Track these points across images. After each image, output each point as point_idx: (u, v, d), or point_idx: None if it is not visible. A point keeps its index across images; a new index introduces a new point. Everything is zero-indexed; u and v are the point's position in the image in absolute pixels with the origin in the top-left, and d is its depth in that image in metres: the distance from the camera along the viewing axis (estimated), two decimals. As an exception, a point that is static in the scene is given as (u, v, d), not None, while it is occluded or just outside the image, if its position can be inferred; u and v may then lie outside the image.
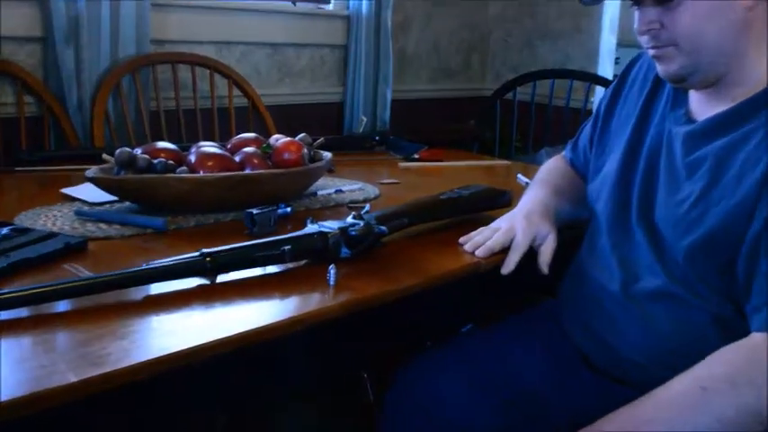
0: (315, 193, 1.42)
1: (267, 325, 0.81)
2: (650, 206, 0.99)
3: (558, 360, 1.08)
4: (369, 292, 0.92)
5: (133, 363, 0.69)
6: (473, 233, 1.13)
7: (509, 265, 1.06)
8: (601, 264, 1.05)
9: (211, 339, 0.75)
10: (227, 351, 0.76)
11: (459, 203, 1.25)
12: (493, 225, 1.13)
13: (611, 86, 1.17)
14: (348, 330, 0.93)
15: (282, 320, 0.83)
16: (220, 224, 1.20)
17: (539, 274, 1.08)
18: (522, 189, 1.30)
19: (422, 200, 1.22)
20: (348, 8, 2.61)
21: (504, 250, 1.08)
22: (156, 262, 0.88)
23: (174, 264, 0.88)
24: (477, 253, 1.08)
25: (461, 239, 1.12)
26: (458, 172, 1.79)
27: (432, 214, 1.21)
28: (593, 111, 1.24)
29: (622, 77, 1.15)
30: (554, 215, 1.13)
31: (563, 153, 1.31)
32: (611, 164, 1.08)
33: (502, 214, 1.17)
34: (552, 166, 1.29)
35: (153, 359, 0.71)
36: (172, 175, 1.21)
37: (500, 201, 1.30)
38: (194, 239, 1.11)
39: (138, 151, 1.25)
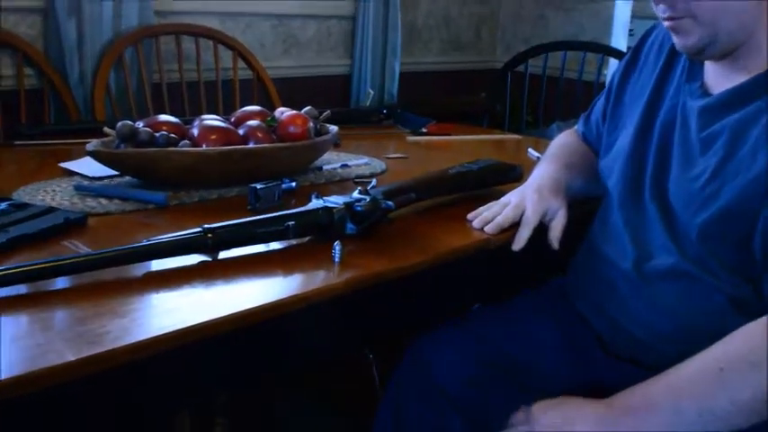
0: (320, 168, 1.41)
1: (270, 303, 0.80)
2: (663, 182, 0.98)
3: (569, 339, 1.08)
4: (375, 270, 0.92)
5: (133, 341, 0.69)
6: (481, 208, 1.12)
7: (519, 241, 1.05)
8: (613, 241, 1.04)
9: (213, 317, 0.75)
10: (229, 329, 0.76)
11: (468, 178, 1.24)
12: (502, 200, 1.13)
13: (625, 59, 1.14)
14: (353, 309, 0.93)
15: (286, 298, 0.82)
16: (223, 199, 1.19)
17: (549, 250, 1.07)
18: (532, 164, 1.29)
19: (430, 175, 1.21)
20: (355, -22, 2.59)
21: (515, 226, 1.07)
22: (156, 238, 0.87)
23: (174, 240, 0.88)
24: (486, 229, 1.07)
25: (470, 215, 1.11)
26: (467, 146, 1.78)
27: (440, 189, 1.20)
28: (606, 84, 1.22)
29: (636, 49, 1.13)
30: (565, 190, 1.12)
31: (575, 127, 1.30)
32: (624, 139, 1.06)
33: (512, 189, 1.16)
34: (564, 141, 1.28)
35: (153, 338, 0.70)
36: (174, 148, 1.20)
37: (510, 175, 1.30)
38: (196, 215, 1.10)
39: (140, 124, 1.24)
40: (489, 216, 1.09)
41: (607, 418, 0.85)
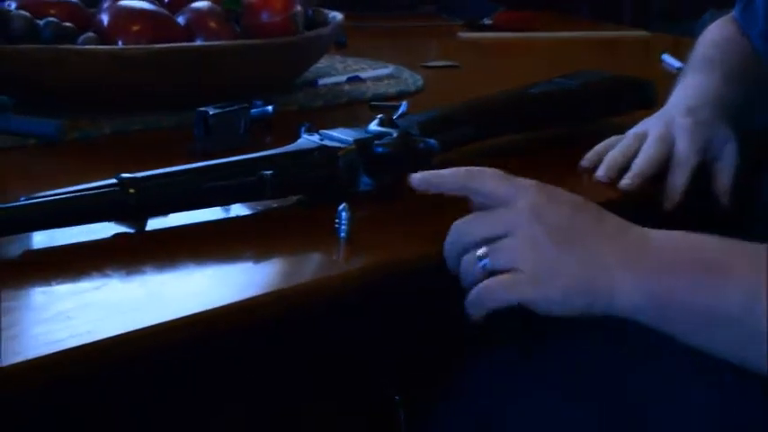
0: (314, 83, 1.42)
1: (232, 304, 0.80)
2: None
3: (723, 373, 1.08)
4: (404, 252, 0.92)
5: (4, 366, 0.68)
6: (601, 146, 1.13)
7: (675, 192, 1.07)
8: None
9: (136, 328, 0.74)
10: (162, 346, 0.76)
11: (561, 103, 1.25)
12: (634, 132, 1.14)
13: None
14: (369, 317, 0.94)
15: (258, 297, 0.81)
16: (153, 132, 1.21)
17: (710, 214, 1.09)
18: (671, 78, 1.28)
19: (498, 96, 1.22)
20: None
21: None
22: (43, 194, 0.87)
23: (74, 198, 0.87)
24: (622, 184, 1.08)
25: (585, 160, 1.13)
26: (559, 49, 1.80)
27: (514, 121, 1.21)
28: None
29: None
30: (731, 113, 1.14)
31: (732, 13, 1.33)
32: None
33: (638, 121, 1.17)
34: (719, 36, 1.31)
35: (38, 359, 0.70)
36: (70, 46, 1.21)
37: (634, 97, 1.30)
38: (109, 157, 1.11)
39: (12, 5, 1.25)
40: (620, 158, 1.10)
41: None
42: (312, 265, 0.90)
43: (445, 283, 0.94)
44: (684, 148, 1.08)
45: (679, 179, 1.07)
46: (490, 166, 1.13)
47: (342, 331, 0.92)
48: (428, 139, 1.03)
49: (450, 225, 0.93)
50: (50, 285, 0.81)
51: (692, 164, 1.08)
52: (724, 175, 1.09)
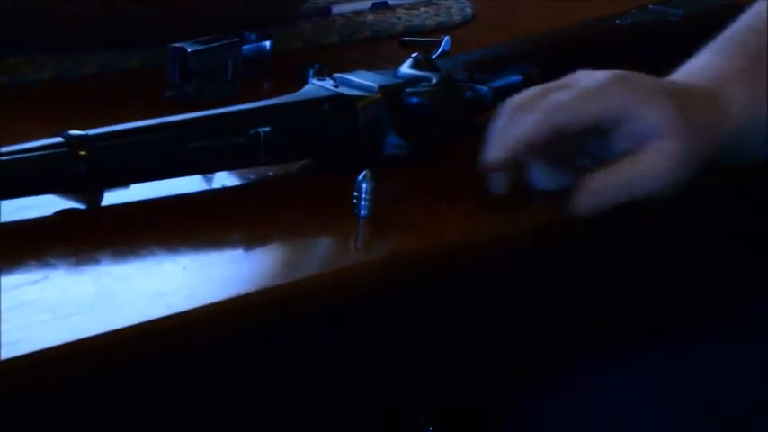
0: (327, 11, 1.43)
1: (215, 304, 0.80)
2: None
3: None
4: (444, 236, 0.93)
5: None
6: None
7: None
8: None
9: (85, 336, 0.74)
10: (123, 361, 0.77)
11: (660, 37, 1.26)
12: None
13: None
14: (396, 324, 0.94)
15: (249, 295, 0.81)
16: (111, 77, 1.22)
17: None
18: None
19: (572, 29, 1.24)
20: None
21: None
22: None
23: (5, 164, 0.87)
24: None
25: None
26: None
27: (594, 62, 1.19)
28: None
29: None
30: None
31: None
32: None
33: None
34: None
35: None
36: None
37: None
38: (51, 109, 1.12)
39: None
40: None
41: None
42: (322, 254, 0.91)
43: (499, 278, 0.95)
44: None
45: None
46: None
47: (359, 340, 0.92)
48: (478, 86, 1.05)
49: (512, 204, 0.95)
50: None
51: None
52: None
